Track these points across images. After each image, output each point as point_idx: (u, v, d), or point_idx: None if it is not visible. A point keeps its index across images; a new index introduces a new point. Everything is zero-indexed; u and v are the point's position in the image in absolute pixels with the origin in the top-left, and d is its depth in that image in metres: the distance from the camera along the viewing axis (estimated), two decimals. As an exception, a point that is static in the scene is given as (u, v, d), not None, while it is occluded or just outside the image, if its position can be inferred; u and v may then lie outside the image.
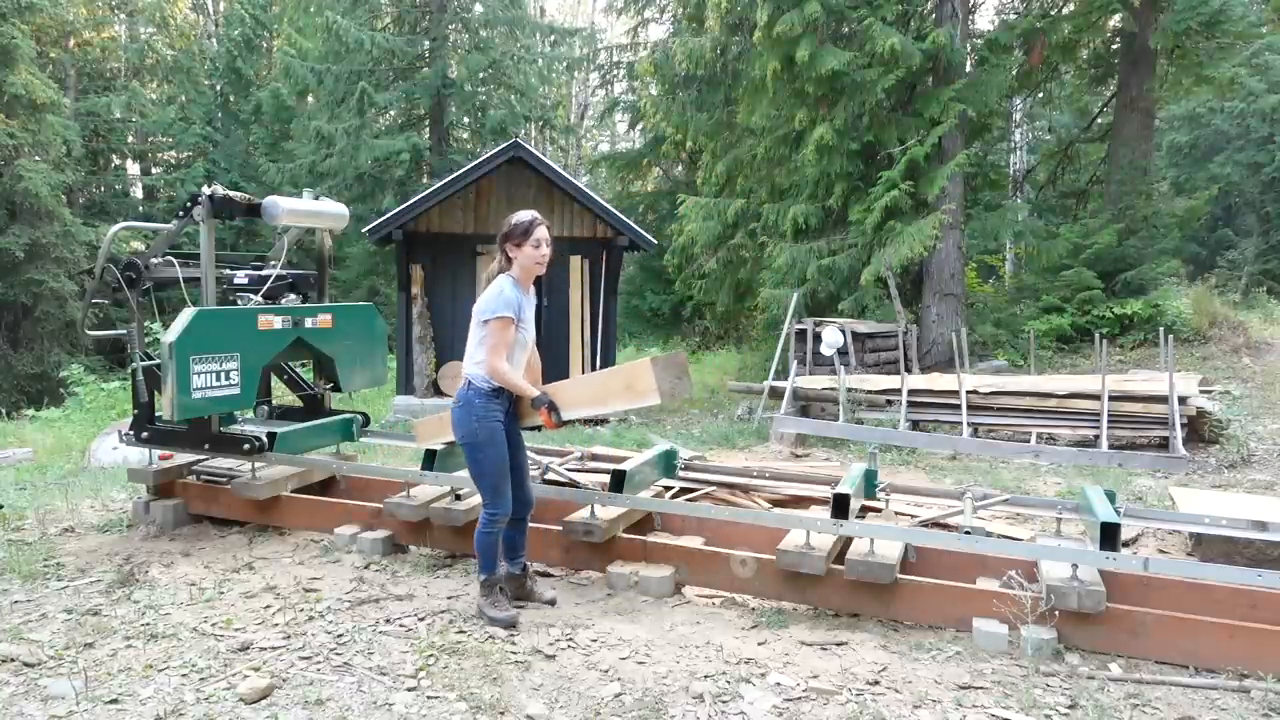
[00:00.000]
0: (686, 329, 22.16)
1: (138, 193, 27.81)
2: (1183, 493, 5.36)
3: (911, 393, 8.69)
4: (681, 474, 5.38)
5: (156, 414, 5.03)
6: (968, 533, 4.22)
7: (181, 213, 5.03)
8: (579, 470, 5.55)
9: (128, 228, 6.19)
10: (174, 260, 5.21)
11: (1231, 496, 5.67)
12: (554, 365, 11.41)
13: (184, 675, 3.23)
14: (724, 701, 3.06)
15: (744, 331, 19.34)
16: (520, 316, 3.70)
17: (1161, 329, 10.78)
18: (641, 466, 4.74)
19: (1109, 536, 3.68)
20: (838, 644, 3.56)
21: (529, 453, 5.86)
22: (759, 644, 3.56)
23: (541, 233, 3.67)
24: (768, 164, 14.07)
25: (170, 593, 4.11)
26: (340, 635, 3.60)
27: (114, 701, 3.03)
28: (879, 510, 4.96)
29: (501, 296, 3.63)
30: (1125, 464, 7.25)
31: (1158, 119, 16.77)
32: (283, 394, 6.53)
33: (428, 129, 23.04)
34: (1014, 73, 14.05)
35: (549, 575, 4.38)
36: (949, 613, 3.72)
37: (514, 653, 3.44)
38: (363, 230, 12.18)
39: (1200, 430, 7.98)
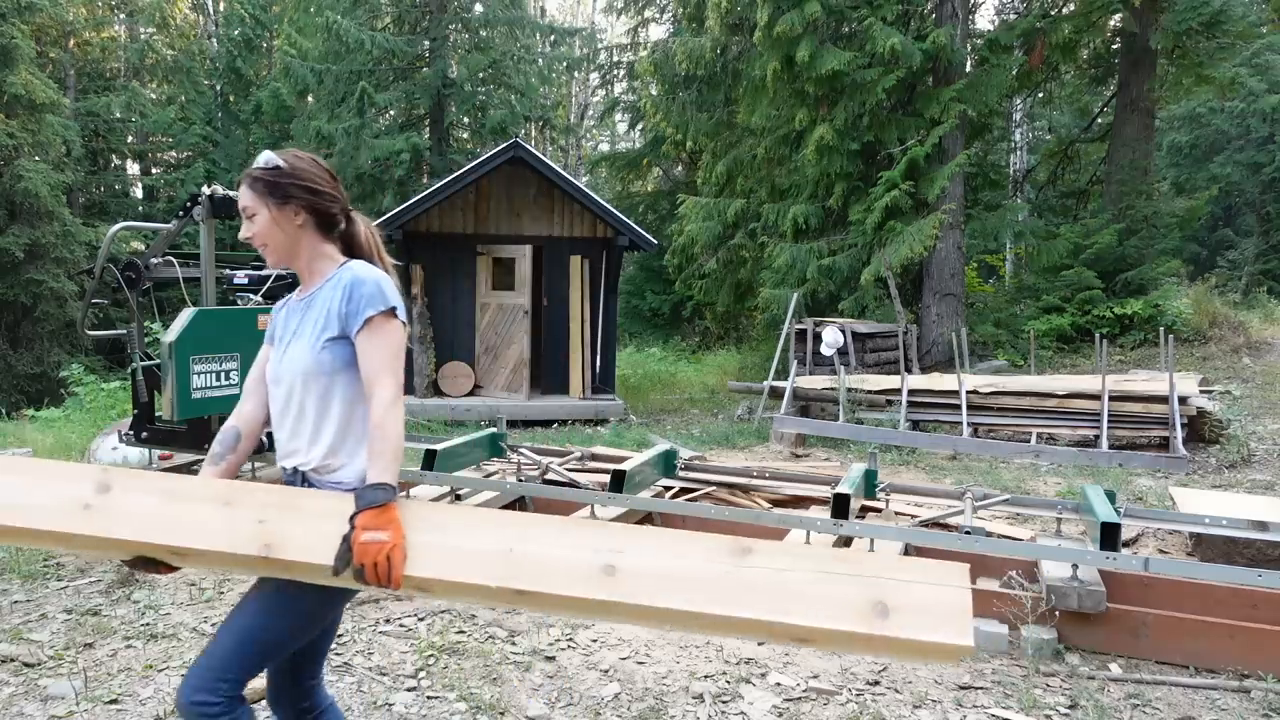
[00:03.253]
0: (686, 329, 22.16)
1: (138, 193, 27.78)
2: (1183, 493, 5.35)
3: (911, 393, 8.69)
4: (681, 474, 5.39)
5: (156, 414, 5.03)
6: (968, 532, 4.22)
7: (181, 213, 5.04)
8: (579, 470, 5.55)
9: (128, 228, 6.20)
10: (174, 260, 5.21)
11: (1231, 496, 5.66)
12: (554, 365, 11.37)
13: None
14: (724, 701, 3.06)
15: (744, 331, 19.34)
16: (272, 334, 2.11)
17: (1161, 329, 10.77)
18: (641, 467, 4.74)
19: (1109, 536, 3.68)
20: (838, 644, 3.55)
21: (526, 451, 5.71)
22: (759, 644, 3.56)
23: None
24: (768, 164, 14.07)
25: (170, 593, 4.11)
26: (340, 635, 3.60)
27: (114, 701, 3.03)
28: (879, 510, 4.96)
29: None
30: (1125, 464, 7.24)
31: (1158, 119, 16.76)
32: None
33: (428, 129, 23.01)
34: (1014, 73, 14.04)
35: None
36: (949, 613, 3.71)
37: (514, 653, 3.44)
38: (363, 230, 12.16)
39: (1200, 430, 7.98)
